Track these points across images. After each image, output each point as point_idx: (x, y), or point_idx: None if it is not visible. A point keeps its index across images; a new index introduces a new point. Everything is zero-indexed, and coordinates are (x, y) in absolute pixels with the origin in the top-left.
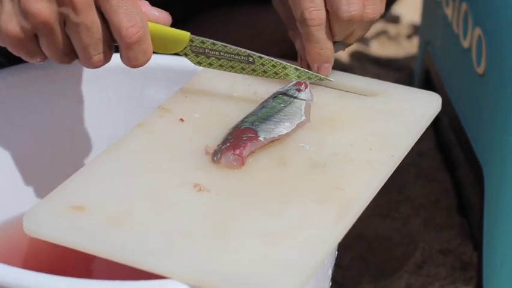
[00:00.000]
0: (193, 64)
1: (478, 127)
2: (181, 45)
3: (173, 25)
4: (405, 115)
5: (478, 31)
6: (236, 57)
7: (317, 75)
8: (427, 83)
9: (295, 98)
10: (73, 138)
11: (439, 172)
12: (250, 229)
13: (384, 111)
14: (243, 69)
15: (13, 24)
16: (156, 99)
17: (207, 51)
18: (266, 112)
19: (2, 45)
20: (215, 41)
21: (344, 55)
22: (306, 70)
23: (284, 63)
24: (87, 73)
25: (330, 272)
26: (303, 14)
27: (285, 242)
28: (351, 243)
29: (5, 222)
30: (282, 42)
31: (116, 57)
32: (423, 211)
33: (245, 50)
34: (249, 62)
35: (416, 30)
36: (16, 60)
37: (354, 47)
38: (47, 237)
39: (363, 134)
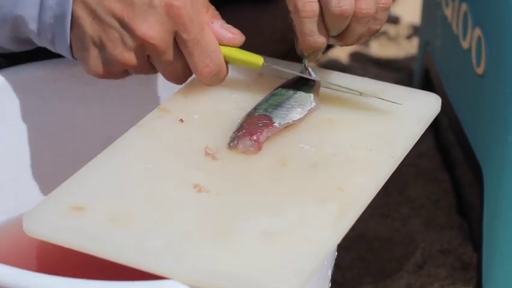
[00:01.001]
0: None
1: (478, 127)
2: (255, 68)
3: None
4: (405, 116)
5: (477, 32)
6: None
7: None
8: (427, 84)
9: (303, 85)
10: (74, 138)
11: (439, 172)
12: (250, 229)
13: (384, 112)
14: None
15: (100, 69)
16: (156, 100)
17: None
18: (277, 99)
19: None
20: (285, 69)
21: (344, 56)
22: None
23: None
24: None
25: (329, 273)
26: (296, 5)
27: (285, 242)
28: (351, 243)
29: (5, 223)
30: (280, 41)
31: None
32: (424, 211)
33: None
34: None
35: (415, 30)
36: (17, 61)
37: (355, 47)
38: (47, 237)
39: (363, 135)
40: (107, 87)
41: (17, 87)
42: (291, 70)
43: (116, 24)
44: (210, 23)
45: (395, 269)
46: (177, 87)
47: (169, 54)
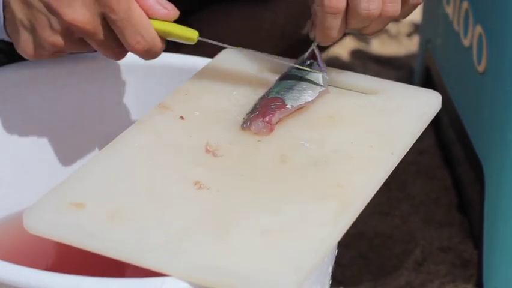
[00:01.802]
0: (193, 62)
1: (478, 125)
2: (189, 43)
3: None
4: (406, 113)
5: (478, 29)
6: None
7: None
8: (427, 81)
9: (309, 73)
10: (74, 135)
11: (439, 170)
12: (250, 226)
13: (384, 109)
14: None
15: (31, 50)
16: (157, 97)
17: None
18: (288, 83)
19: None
20: (221, 44)
21: (344, 53)
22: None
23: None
24: (88, 71)
25: (330, 270)
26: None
27: (285, 239)
28: (351, 241)
29: (5, 219)
30: (279, 39)
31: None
32: (424, 209)
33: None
34: None
35: (416, 28)
36: (16, 58)
37: (355, 45)
38: (47, 234)
39: (363, 132)
40: (108, 84)
41: (16, 84)
42: (226, 44)
43: (43, 8)
44: None
45: (395, 266)
46: (178, 84)
47: (100, 35)
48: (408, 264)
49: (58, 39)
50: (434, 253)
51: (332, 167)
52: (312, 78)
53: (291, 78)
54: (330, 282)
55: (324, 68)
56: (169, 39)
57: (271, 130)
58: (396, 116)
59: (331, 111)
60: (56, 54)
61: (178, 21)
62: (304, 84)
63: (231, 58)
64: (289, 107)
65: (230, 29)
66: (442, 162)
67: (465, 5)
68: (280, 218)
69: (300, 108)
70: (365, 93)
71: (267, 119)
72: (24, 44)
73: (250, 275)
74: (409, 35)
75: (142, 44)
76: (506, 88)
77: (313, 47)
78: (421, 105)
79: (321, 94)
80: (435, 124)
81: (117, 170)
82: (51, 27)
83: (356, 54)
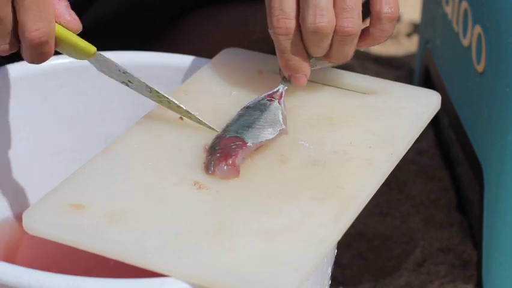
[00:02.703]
0: (193, 62)
1: (478, 125)
2: (86, 57)
3: (160, 27)
4: (405, 113)
5: (477, 29)
6: (136, 83)
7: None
8: (427, 81)
9: (269, 107)
10: (73, 136)
11: (439, 170)
12: (250, 227)
13: (383, 109)
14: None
15: None
16: None
17: (110, 68)
18: (246, 120)
19: None
20: (118, 65)
21: None
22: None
23: (171, 98)
24: (88, 71)
25: (329, 271)
26: (271, 21)
27: (285, 240)
28: (351, 241)
29: (5, 220)
30: (272, 41)
31: (116, 55)
32: (423, 209)
33: (144, 82)
34: (146, 90)
35: (416, 28)
36: (15, 58)
37: None
38: (47, 235)
39: (362, 132)
40: (107, 85)
41: (16, 84)
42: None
43: None
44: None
45: (394, 267)
46: (177, 84)
47: (6, 22)
48: (408, 264)
49: None
50: (433, 253)
51: (331, 167)
52: (271, 115)
53: (249, 114)
54: (330, 283)
55: (283, 106)
56: (61, 50)
57: (238, 173)
58: (395, 116)
59: (330, 111)
60: None
61: (168, 23)
62: (263, 121)
63: (230, 58)
64: (251, 144)
65: (222, 31)
66: (442, 162)
67: (464, 4)
68: (279, 218)
69: (261, 146)
70: (364, 93)
71: (230, 161)
72: None
73: (250, 275)
74: (408, 34)
75: (40, 31)
76: (505, 88)
77: (280, 87)
78: (420, 105)
79: (280, 133)
80: (435, 124)
81: (116, 171)
82: None
83: (355, 54)
